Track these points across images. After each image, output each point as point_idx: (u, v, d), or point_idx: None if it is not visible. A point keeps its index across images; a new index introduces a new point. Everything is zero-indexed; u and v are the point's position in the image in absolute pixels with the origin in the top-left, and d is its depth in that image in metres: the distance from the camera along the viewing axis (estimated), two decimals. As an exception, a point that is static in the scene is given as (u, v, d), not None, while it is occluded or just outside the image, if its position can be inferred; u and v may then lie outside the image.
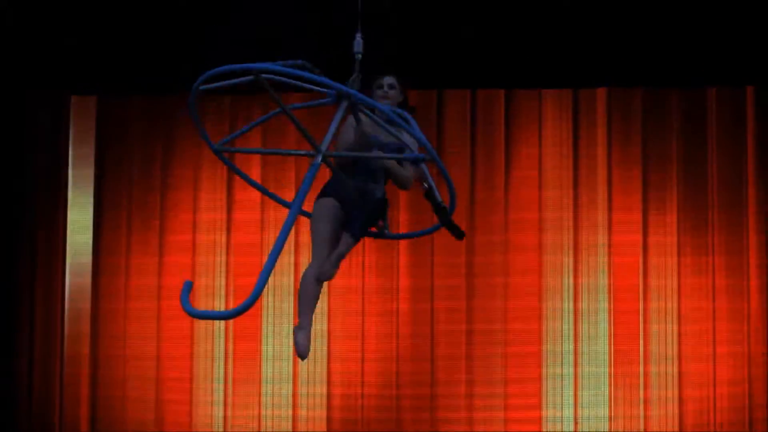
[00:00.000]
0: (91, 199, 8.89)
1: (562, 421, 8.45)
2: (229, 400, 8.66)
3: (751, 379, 8.35)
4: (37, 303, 8.83)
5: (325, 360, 8.63)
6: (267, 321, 8.70)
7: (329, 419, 8.59)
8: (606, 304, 8.51)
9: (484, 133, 8.69)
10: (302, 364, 8.53)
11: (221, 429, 8.62)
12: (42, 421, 8.74)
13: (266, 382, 8.64)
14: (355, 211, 4.84)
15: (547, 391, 8.48)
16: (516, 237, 8.65)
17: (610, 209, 8.59)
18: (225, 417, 8.64)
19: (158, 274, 8.81)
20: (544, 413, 8.48)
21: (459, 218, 8.49)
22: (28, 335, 8.83)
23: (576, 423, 8.44)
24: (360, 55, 4.91)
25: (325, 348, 8.63)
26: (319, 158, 4.53)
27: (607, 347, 8.48)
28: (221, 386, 8.67)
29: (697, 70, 8.37)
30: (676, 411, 8.37)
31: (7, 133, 8.91)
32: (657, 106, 8.55)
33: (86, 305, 8.80)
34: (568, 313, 8.54)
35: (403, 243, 8.66)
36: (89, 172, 8.92)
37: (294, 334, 4.76)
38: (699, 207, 8.53)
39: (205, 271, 8.79)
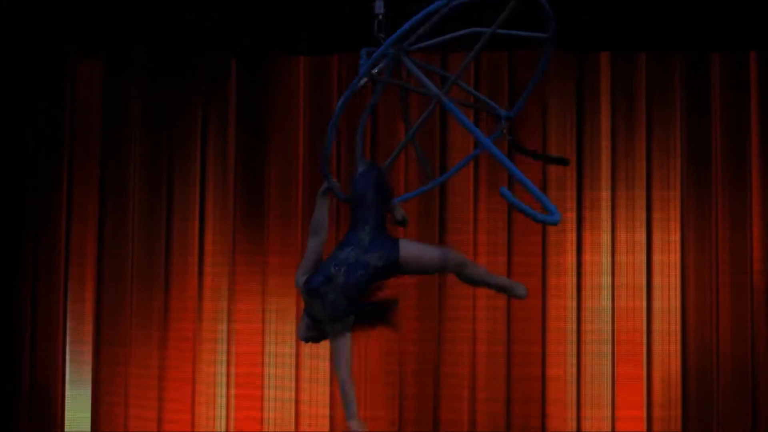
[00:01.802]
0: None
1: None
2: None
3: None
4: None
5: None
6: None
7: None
8: (609, 279, 8.49)
9: (488, 96, 8.66)
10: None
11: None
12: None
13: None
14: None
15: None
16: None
17: (613, 172, 8.55)
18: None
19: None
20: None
21: (465, 185, 8.52)
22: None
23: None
24: (381, 16, 4.99)
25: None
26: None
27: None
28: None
29: (701, 35, 8.38)
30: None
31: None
32: (660, 71, 8.55)
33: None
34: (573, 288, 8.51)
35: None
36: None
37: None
38: (702, 174, 8.51)
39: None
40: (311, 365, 8.56)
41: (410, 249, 4.83)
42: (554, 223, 4.31)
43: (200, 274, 8.78)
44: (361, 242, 4.80)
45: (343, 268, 4.76)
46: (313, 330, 4.86)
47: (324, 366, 8.51)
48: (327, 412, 8.52)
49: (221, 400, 8.63)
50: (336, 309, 4.75)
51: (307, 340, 4.92)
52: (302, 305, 4.92)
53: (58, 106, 8.90)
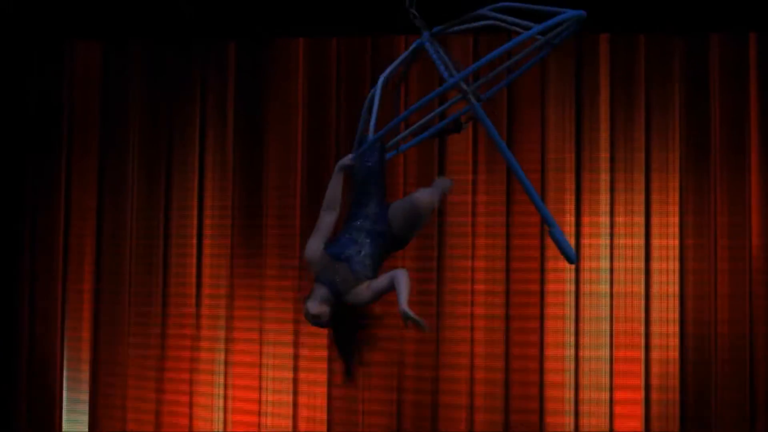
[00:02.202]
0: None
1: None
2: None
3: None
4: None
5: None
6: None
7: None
8: (607, 242, 8.48)
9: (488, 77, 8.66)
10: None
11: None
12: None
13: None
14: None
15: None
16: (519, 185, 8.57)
17: (612, 158, 8.53)
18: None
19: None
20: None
21: (462, 163, 8.50)
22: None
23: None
24: None
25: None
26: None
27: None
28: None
29: (701, 16, 8.36)
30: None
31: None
32: (660, 52, 8.52)
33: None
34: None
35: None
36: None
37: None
38: (701, 155, 8.47)
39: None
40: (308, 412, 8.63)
41: (393, 206, 4.93)
42: (570, 261, 4.49)
43: (199, 265, 8.78)
44: (369, 216, 4.86)
45: (363, 233, 4.83)
46: (327, 304, 4.78)
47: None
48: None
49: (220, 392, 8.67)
50: (363, 268, 4.77)
51: (315, 319, 4.80)
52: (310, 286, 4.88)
53: (56, 96, 8.90)
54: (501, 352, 8.46)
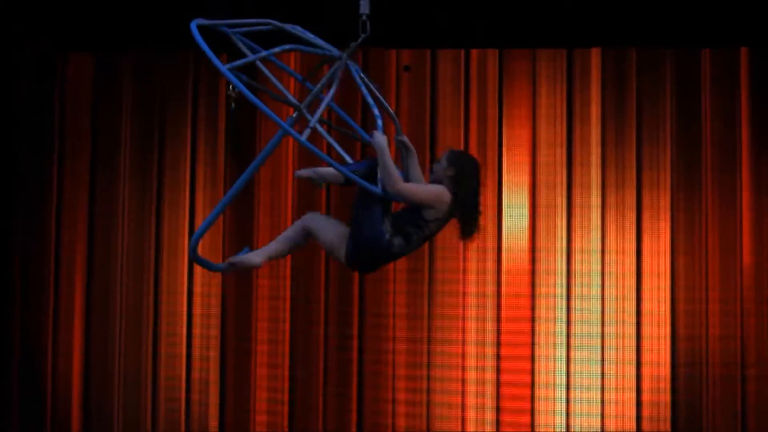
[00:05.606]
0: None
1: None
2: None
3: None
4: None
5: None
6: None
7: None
8: (599, 266, 8.51)
9: (478, 93, 8.68)
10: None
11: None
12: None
13: None
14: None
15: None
16: (510, 199, 8.58)
17: (603, 169, 8.53)
18: None
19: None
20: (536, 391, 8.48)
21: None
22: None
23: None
24: (366, 16, 5.01)
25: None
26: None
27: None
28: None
29: (692, 30, 8.40)
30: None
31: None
32: (651, 66, 8.54)
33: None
34: (562, 255, 8.53)
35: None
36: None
37: None
38: (692, 168, 8.51)
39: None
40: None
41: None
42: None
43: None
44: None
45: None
46: None
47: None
48: None
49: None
50: None
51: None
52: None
53: (48, 107, 8.92)
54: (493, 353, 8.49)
